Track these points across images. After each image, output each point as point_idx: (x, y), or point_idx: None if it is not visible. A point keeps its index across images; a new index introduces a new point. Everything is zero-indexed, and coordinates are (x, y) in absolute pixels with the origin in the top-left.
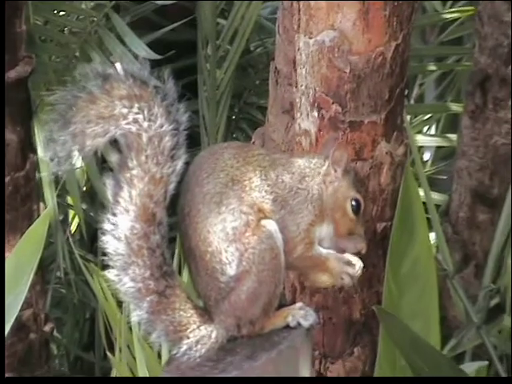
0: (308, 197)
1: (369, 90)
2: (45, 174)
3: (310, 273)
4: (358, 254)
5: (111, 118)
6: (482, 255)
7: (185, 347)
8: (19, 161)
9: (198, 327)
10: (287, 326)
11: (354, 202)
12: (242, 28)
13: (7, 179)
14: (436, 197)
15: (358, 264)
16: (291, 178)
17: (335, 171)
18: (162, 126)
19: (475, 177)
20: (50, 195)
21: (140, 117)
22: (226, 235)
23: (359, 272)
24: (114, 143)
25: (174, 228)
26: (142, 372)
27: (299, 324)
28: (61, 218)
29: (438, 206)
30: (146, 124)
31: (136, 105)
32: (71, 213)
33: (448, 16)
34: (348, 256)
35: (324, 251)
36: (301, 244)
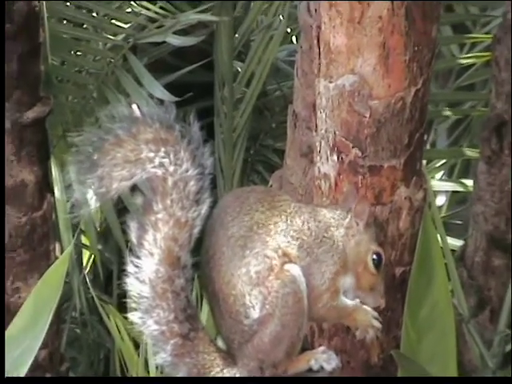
0: (333, 247)
1: (388, 134)
2: (62, 215)
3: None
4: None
5: (138, 161)
6: (497, 300)
7: None
8: (36, 201)
9: (222, 370)
10: (310, 370)
11: (375, 256)
12: (258, 70)
13: (25, 219)
14: (451, 242)
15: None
16: (317, 226)
17: (357, 224)
18: (187, 171)
19: (491, 222)
20: (67, 236)
21: (166, 161)
22: (250, 279)
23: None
24: (135, 186)
25: (194, 267)
26: None
27: (322, 368)
28: (75, 257)
29: (453, 251)
30: (171, 168)
31: (162, 149)
32: (85, 253)
33: (464, 61)
34: (370, 309)
35: (350, 302)
36: (326, 293)
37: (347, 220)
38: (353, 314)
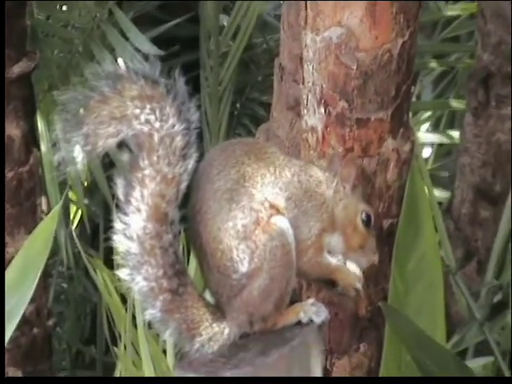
0: (323, 205)
1: (375, 86)
2: (49, 173)
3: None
4: None
5: (123, 118)
6: (484, 251)
7: (197, 344)
8: (23, 156)
9: (211, 324)
10: (299, 323)
11: (364, 216)
12: (244, 24)
13: (11, 174)
14: (438, 193)
15: (362, 278)
16: (308, 180)
17: (344, 188)
18: (173, 126)
19: (477, 173)
20: (53, 191)
21: (152, 117)
22: (237, 233)
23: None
24: (122, 142)
25: (181, 222)
26: (148, 368)
27: (311, 320)
28: (62, 212)
29: (440, 203)
30: (157, 124)
31: (148, 105)
32: (72, 207)
33: (450, 13)
34: (355, 268)
35: (333, 261)
36: (311, 248)
37: (334, 184)
38: (335, 273)
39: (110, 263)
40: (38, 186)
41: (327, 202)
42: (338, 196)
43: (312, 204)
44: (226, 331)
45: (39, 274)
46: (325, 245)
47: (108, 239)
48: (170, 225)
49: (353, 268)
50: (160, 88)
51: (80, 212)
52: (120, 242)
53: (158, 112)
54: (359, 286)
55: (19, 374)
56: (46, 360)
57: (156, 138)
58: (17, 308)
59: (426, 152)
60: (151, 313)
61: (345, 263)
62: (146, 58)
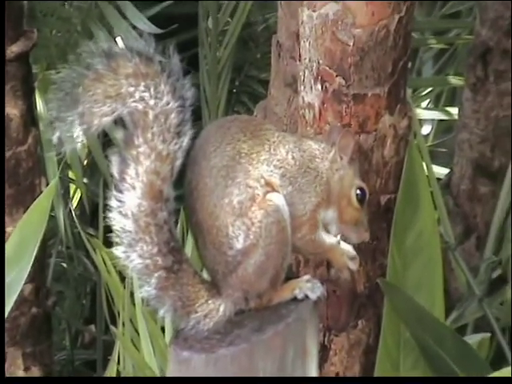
0: (317, 178)
1: (372, 62)
2: (47, 152)
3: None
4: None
5: (118, 96)
6: (483, 227)
7: (193, 321)
8: (21, 135)
9: (206, 301)
10: (294, 299)
11: (359, 191)
12: (242, 1)
13: (9, 153)
14: (437, 170)
15: (357, 259)
16: (302, 156)
17: (341, 159)
18: (168, 103)
19: (476, 149)
20: (52, 170)
21: (146, 95)
22: (233, 209)
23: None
24: (118, 120)
25: (178, 200)
26: (146, 345)
27: (306, 296)
28: (62, 192)
29: (438, 179)
30: (152, 102)
31: (142, 83)
32: (72, 187)
33: None
34: (351, 249)
35: (327, 240)
36: (306, 224)
37: (331, 154)
38: (328, 252)
39: (109, 242)
40: (36, 166)
41: (321, 174)
42: (335, 166)
43: (306, 180)
44: (222, 308)
45: (36, 250)
46: (320, 221)
47: (107, 218)
48: (164, 202)
49: (348, 248)
50: (154, 65)
51: (79, 191)
52: (115, 220)
53: (152, 89)
54: (353, 267)
55: (19, 354)
56: (45, 340)
57: (150, 115)
58: (14, 285)
59: (426, 129)
60: (146, 290)
61: (339, 243)
62: (141, 35)
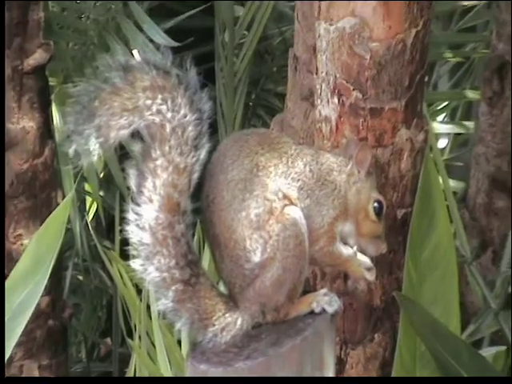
0: (335, 191)
1: (389, 76)
2: (64, 165)
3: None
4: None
5: (135, 109)
6: (499, 241)
7: (210, 334)
8: (38, 148)
9: (224, 314)
10: (312, 313)
11: (376, 204)
12: (259, 14)
13: (26, 166)
14: (453, 184)
15: (374, 270)
16: (319, 169)
17: (358, 172)
18: (185, 116)
19: (493, 163)
20: (68, 183)
21: (164, 108)
22: (250, 222)
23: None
24: (135, 133)
25: (195, 213)
26: (162, 358)
27: (324, 310)
28: (78, 204)
29: (455, 194)
30: (169, 115)
31: (159, 96)
32: (88, 200)
33: (466, 3)
34: (367, 260)
35: (345, 252)
36: (324, 236)
37: (349, 167)
38: (346, 264)
39: (125, 255)
40: (53, 179)
41: (339, 187)
42: (352, 179)
43: (323, 192)
44: (239, 321)
45: (52, 263)
46: (337, 233)
47: (123, 231)
48: (182, 215)
49: (364, 259)
50: (172, 78)
51: (95, 204)
52: (132, 233)
53: (169, 102)
54: (370, 277)
55: (35, 366)
56: (61, 352)
57: (168, 128)
58: (31, 298)
59: (442, 142)
60: (164, 303)
61: (356, 254)
62: (158, 48)
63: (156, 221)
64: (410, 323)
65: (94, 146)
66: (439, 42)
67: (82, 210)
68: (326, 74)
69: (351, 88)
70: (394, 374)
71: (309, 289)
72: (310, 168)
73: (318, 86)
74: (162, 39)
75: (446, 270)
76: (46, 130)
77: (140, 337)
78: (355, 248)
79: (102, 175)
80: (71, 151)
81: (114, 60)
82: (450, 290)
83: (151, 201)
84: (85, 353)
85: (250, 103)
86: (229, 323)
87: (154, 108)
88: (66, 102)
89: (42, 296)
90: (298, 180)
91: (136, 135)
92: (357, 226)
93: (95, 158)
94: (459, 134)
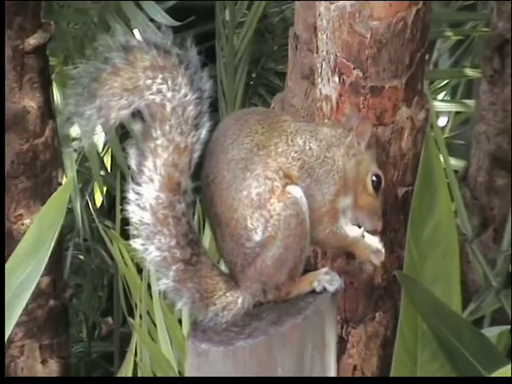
0: (334, 166)
1: (390, 55)
2: (64, 145)
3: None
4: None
5: (135, 89)
6: (500, 219)
7: (211, 314)
8: (38, 127)
9: (225, 293)
10: (313, 291)
11: (374, 178)
12: None
13: (27, 146)
14: (454, 162)
15: (383, 251)
16: (319, 146)
17: (358, 144)
18: (185, 96)
19: (494, 141)
20: (69, 163)
21: (164, 87)
22: (251, 201)
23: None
24: (136, 112)
25: (195, 192)
26: (163, 337)
27: (325, 289)
28: (80, 185)
29: (456, 172)
30: (169, 94)
31: (160, 75)
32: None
33: None
34: (376, 243)
35: (350, 233)
36: (326, 215)
37: (348, 139)
38: (352, 246)
39: (126, 234)
40: (54, 158)
41: (337, 162)
42: (352, 151)
43: (324, 170)
44: (240, 300)
45: (53, 242)
46: (339, 211)
47: (124, 211)
48: (182, 194)
49: (373, 242)
50: (172, 58)
51: (97, 184)
52: (133, 212)
53: (169, 82)
54: (376, 261)
55: (36, 346)
56: (62, 332)
57: (168, 107)
58: (32, 277)
59: (443, 121)
60: (165, 282)
61: (363, 236)
62: (158, 28)
63: (157, 200)
64: (411, 302)
65: (95, 126)
66: (440, 20)
67: (82, 190)
68: (327, 52)
69: (352, 66)
70: (395, 353)
71: (310, 267)
72: (310, 145)
73: (318, 65)
74: (163, 18)
75: (447, 249)
76: (47, 109)
77: (141, 316)
78: (362, 229)
79: (103, 155)
80: (72, 132)
81: (115, 40)
82: (451, 268)
83: (152, 180)
84: (86, 332)
85: (251, 82)
86: (230, 302)
87: (155, 88)
88: (66, 83)
89: (42, 276)
90: (299, 159)
91: (136, 115)
92: (355, 198)
93: (96, 139)
94: (460, 112)
